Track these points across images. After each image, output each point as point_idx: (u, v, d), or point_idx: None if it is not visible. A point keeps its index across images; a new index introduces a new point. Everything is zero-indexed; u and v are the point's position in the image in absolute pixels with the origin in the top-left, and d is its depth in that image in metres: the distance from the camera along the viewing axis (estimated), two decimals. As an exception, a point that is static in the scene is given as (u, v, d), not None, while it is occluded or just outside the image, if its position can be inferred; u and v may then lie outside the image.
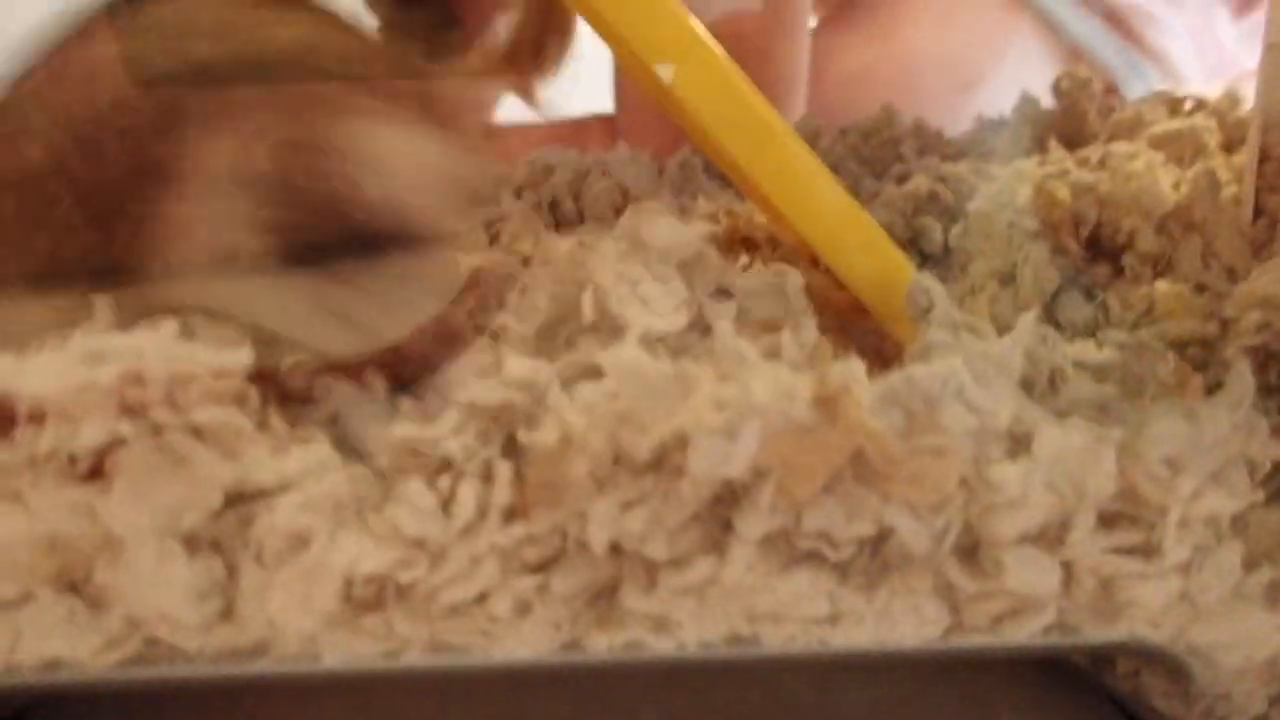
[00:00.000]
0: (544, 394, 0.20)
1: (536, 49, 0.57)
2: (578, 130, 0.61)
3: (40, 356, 0.20)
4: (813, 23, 0.66)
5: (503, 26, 0.60)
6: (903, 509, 0.21)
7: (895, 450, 0.20)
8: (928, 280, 0.25)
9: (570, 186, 0.44)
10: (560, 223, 0.43)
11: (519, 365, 0.21)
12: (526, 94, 0.58)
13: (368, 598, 0.21)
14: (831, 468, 0.20)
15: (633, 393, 0.20)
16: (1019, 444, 0.21)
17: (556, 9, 0.56)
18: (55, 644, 0.20)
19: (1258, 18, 0.63)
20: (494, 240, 0.40)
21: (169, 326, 0.20)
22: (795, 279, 0.25)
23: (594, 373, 0.23)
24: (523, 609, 0.21)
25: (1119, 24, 0.60)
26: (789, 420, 0.20)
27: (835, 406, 0.20)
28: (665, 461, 0.21)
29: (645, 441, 0.20)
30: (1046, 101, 0.47)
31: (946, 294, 0.25)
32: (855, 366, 0.21)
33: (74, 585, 0.20)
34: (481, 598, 0.21)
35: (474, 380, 0.21)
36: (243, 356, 0.21)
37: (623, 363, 0.20)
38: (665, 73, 0.26)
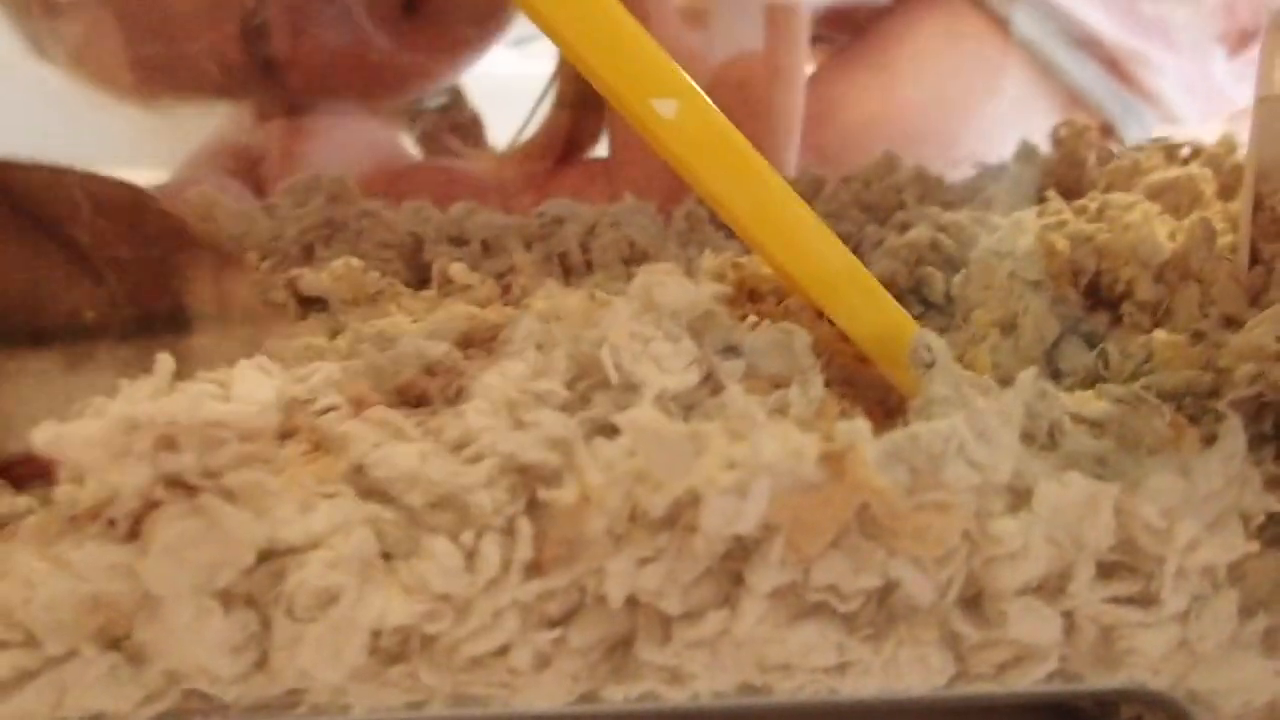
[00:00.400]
0: (572, 452, 0.21)
1: (571, 138, 0.59)
2: (570, 174, 0.62)
3: (80, 422, 0.21)
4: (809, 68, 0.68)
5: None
6: (908, 562, 0.21)
7: (900, 506, 0.21)
8: (930, 336, 0.26)
9: (579, 238, 0.45)
10: (569, 273, 0.44)
11: (555, 423, 0.22)
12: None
13: (393, 649, 0.21)
14: (839, 523, 0.21)
15: (649, 452, 0.21)
16: (1020, 498, 0.22)
17: (587, 95, 0.58)
18: (98, 699, 0.20)
19: (1252, 55, 0.64)
20: (505, 292, 0.41)
21: (201, 389, 0.21)
22: (802, 337, 0.26)
23: (608, 430, 0.24)
24: (542, 661, 0.22)
25: (1114, 68, 0.62)
26: (797, 478, 0.21)
27: (842, 464, 0.21)
28: (679, 518, 0.21)
29: (660, 499, 0.21)
30: (1044, 148, 0.48)
31: (948, 349, 0.26)
32: (861, 425, 0.21)
33: (115, 642, 0.21)
34: (502, 650, 0.22)
35: (513, 434, 0.21)
36: (271, 416, 0.21)
37: (640, 422, 0.21)
38: (665, 108, 0.27)
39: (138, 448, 0.20)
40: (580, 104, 0.59)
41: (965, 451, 0.22)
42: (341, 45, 0.55)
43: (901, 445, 0.22)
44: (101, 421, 0.20)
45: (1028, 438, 0.24)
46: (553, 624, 0.22)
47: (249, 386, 0.23)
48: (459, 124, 0.67)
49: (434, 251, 0.44)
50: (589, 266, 0.44)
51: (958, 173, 0.50)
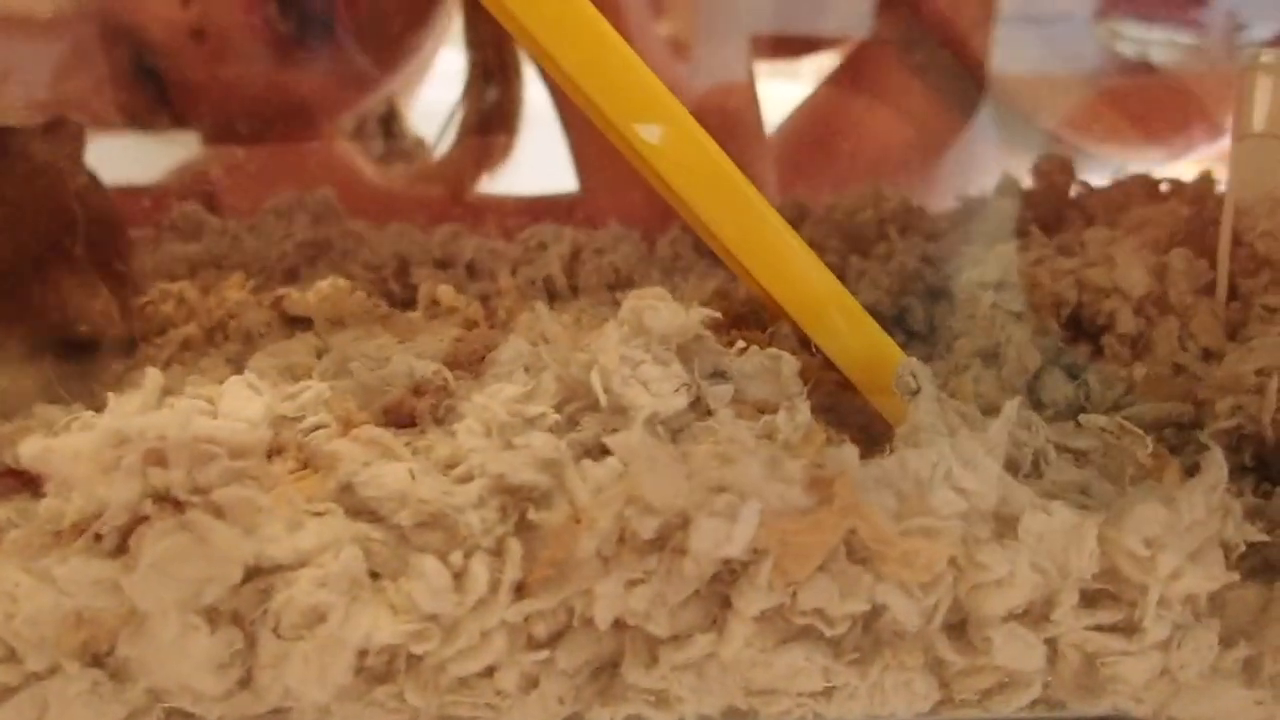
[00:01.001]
0: (562, 473, 0.21)
1: (481, 150, 0.59)
2: (548, 209, 0.62)
3: (69, 436, 0.21)
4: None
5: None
6: (895, 587, 0.22)
7: (888, 531, 0.21)
8: (915, 363, 0.26)
9: (564, 263, 0.45)
10: (554, 298, 0.44)
11: (546, 444, 0.22)
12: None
13: (379, 669, 0.21)
14: (827, 548, 0.21)
15: (640, 474, 0.21)
16: (1005, 526, 0.22)
17: (501, 111, 0.58)
18: (79, 716, 0.20)
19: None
20: (490, 315, 0.41)
21: (191, 405, 0.21)
22: (790, 363, 0.26)
23: (596, 453, 0.24)
24: (529, 683, 0.22)
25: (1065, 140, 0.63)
26: (786, 502, 0.21)
27: (830, 489, 0.21)
28: (668, 541, 0.21)
29: (650, 521, 0.21)
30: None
31: (932, 376, 0.26)
32: (849, 450, 0.22)
33: (98, 659, 0.21)
34: (489, 671, 0.22)
35: (504, 455, 0.21)
36: (261, 434, 0.21)
37: (631, 445, 0.21)
38: (649, 134, 0.27)
39: (127, 462, 0.20)
40: (486, 127, 0.60)
41: (952, 478, 0.22)
42: (236, 81, 0.55)
43: (889, 471, 0.22)
44: (90, 435, 0.20)
45: (1012, 466, 0.24)
46: (540, 645, 0.22)
47: (237, 403, 0.22)
48: (399, 150, 0.67)
49: (420, 274, 0.44)
50: (574, 292, 0.44)
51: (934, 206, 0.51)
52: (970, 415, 0.25)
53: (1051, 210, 0.47)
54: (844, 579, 0.21)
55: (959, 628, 0.22)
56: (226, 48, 0.53)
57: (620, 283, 0.44)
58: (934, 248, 0.43)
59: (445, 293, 0.40)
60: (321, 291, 0.38)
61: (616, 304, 0.43)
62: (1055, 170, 0.48)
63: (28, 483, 0.25)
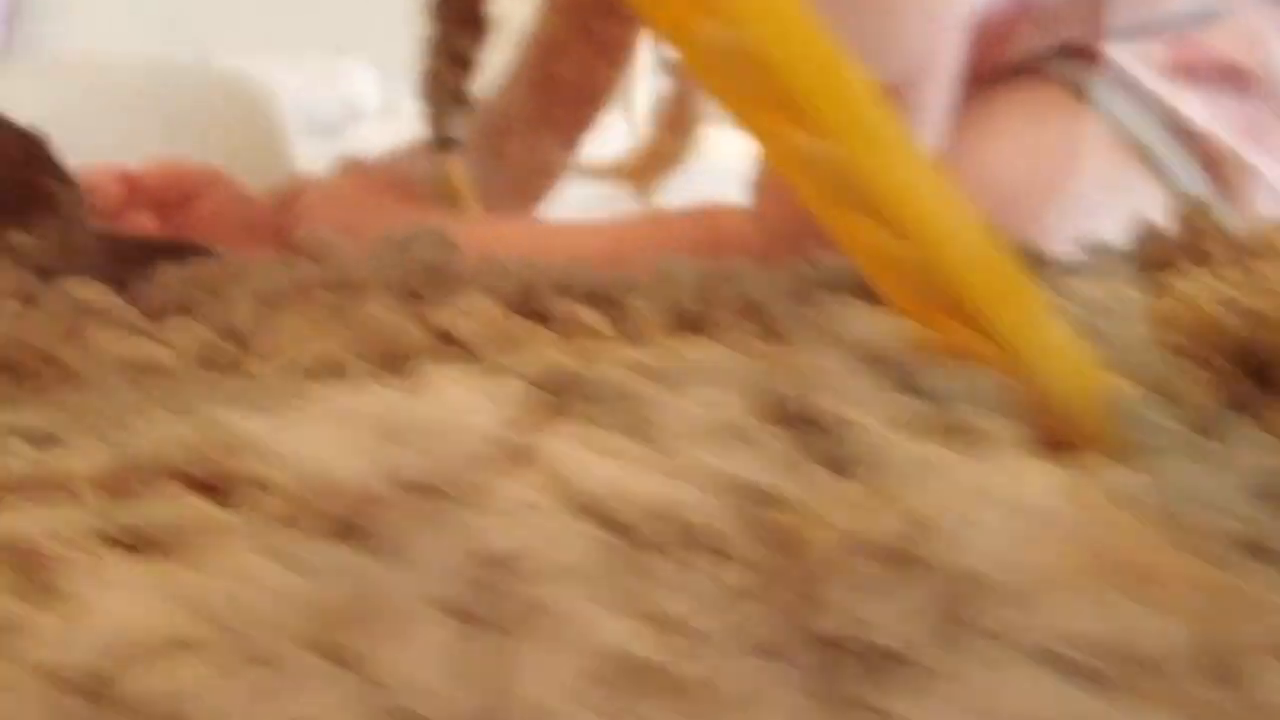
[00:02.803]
0: (794, 476, 0.21)
1: (662, 153, 0.59)
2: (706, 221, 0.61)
3: (294, 417, 0.20)
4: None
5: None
6: (1149, 610, 0.20)
7: (1140, 548, 0.20)
8: (1130, 388, 0.25)
9: (696, 292, 0.44)
10: (685, 326, 0.44)
11: (775, 447, 0.21)
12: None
13: (601, 671, 0.21)
14: (1083, 565, 0.20)
15: (879, 476, 0.20)
16: (1256, 550, 0.21)
17: (682, 119, 0.58)
18: (307, 708, 0.19)
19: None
20: (629, 339, 0.40)
21: (429, 396, 0.21)
22: (997, 380, 0.25)
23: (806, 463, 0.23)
24: (751, 692, 0.21)
25: (1216, 171, 0.62)
26: (1034, 512, 0.20)
27: (1080, 501, 0.20)
28: (904, 547, 0.21)
29: (886, 526, 0.20)
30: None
31: (1149, 402, 0.25)
32: (1099, 461, 0.21)
33: (327, 648, 0.20)
34: (709, 678, 0.21)
35: (733, 456, 0.21)
36: (494, 425, 0.21)
37: (871, 445, 0.20)
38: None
39: (366, 446, 0.19)
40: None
41: (1200, 497, 0.21)
42: None
43: (1139, 486, 0.21)
44: (328, 419, 0.20)
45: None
46: (764, 653, 0.21)
47: (458, 396, 0.22)
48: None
49: (547, 299, 0.44)
50: (704, 320, 0.44)
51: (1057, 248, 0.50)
52: (1192, 441, 0.24)
53: (1192, 252, 0.46)
54: (1096, 600, 0.20)
55: (1219, 661, 0.21)
56: None
57: (751, 312, 0.44)
58: (1080, 285, 0.42)
59: (588, 315, 0.39)
60: (470, 311, 0.37)
61: (747, 333, 0.42)
62: (1196, 213, 0.47)
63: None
